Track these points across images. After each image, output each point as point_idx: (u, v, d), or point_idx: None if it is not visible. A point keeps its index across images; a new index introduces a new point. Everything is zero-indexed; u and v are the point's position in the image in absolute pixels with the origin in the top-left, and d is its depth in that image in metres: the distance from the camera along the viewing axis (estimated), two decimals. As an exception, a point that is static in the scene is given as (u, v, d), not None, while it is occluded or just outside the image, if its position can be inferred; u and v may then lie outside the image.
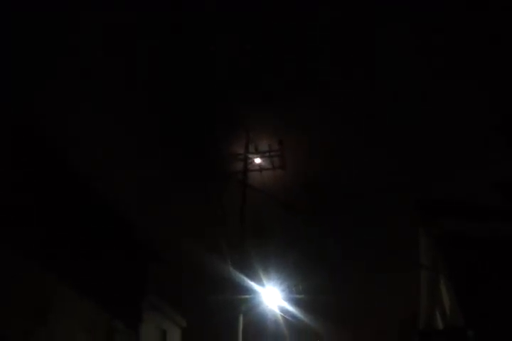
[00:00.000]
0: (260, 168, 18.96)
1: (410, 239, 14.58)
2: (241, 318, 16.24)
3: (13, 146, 8.81)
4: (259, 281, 17.07)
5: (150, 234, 13.80)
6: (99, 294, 10.58)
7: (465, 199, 12.78)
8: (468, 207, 12.37)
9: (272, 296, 17.13)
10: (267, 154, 18.94)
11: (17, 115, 8.88)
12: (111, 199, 12.08)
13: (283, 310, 16.91)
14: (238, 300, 16.69)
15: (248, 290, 16.78)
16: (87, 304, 10.20)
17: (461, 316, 10.53)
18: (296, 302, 17.05)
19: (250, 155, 18.92)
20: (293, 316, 16.83)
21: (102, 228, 11.59)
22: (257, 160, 18.80)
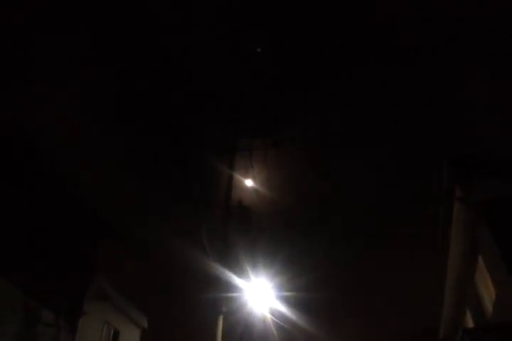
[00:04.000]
0: (250, 148, 16.03)
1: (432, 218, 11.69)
2: (221, 321, 12.98)
3: None
4: (244, 276, 13.93)
5: (108, 211, 10.78)
6: (24, 272, 7.51)
7: (507, 158, 10.00)
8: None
9: (259, 294, 13.95)
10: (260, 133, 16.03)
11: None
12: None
13: (273, 312, 13.75)
14: (218, 299, 13.48)
15: (231, 287, 13.62)
16: (3, 284, 7.14)
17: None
18: (289, 302, 13.92)
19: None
20: (284, 318, 13.68)
21: (40, 191, 8.57)
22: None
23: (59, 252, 8.60)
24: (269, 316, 13.59)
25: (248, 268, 13.91)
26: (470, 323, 11.57)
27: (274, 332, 13.52)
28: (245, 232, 15.81)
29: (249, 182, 15.25)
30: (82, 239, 9.48)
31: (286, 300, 13.65)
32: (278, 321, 13.57)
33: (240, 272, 13.92)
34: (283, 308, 13.47)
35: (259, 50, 14.50)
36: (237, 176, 15.43)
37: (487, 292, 9.92)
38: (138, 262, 12.20)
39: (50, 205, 8.86)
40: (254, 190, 15.36)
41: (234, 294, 13.71)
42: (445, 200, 9.64)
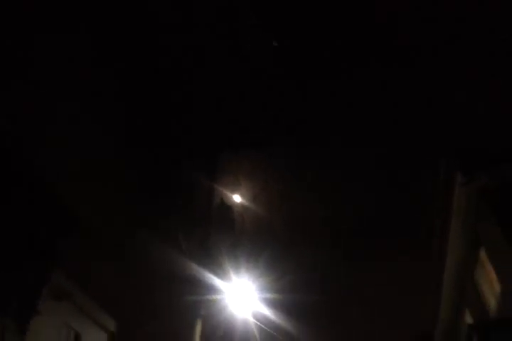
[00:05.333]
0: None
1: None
2: (199, 325, 12.00)
3: None
4: (226, 278, 12.94)
5: (77, 205, 9.74)
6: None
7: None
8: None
9: (241, 297, 12.97)
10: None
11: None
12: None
13: (256, 314, 12.74)
14: (196, 302, 12.52)
15: (211, 290, 12.63)
16: None
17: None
18: (273, 304, 12.93)
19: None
20: (268, 321, 12.68)
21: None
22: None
23: (8, 242, 7.52)
24: (251, 319, 12.59)
25: (230, 270, 12.92)
26: (468, 320, 10.67)
27: (257, 335, 12.53)
28: (227, 232, 14.93)
29: (237, 198, 14.60)
30: (40, 229, 8.39)
31: (270, 303, 12.65)
32: (260, 324, 12.58)
33: (222, 274, 12.93)
34: (266, 311, 12.48)
35: (275, 44, 14.42)
36: (224, 191, 14.74)
37: (490, 288, 9.05)
38: (107, 261, 11.12)
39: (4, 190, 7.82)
40: (241, 204, 14.65)
41: (214, 296, 12.70)
42: (445, 188, 8.78)
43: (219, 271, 13.15)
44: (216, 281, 12.89)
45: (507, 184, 8.24)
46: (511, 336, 6.18)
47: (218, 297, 12.92)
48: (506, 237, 7.60)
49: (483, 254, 8.97)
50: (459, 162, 8.42)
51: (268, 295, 12.79)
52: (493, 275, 8.66)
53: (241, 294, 12.99)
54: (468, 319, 10.83)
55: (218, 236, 14.62)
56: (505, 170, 8.42)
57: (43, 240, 8.37)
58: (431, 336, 14.54)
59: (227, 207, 15.17)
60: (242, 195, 15.00)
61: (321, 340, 16.05)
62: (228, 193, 14.90)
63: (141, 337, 11.58)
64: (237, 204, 15.13)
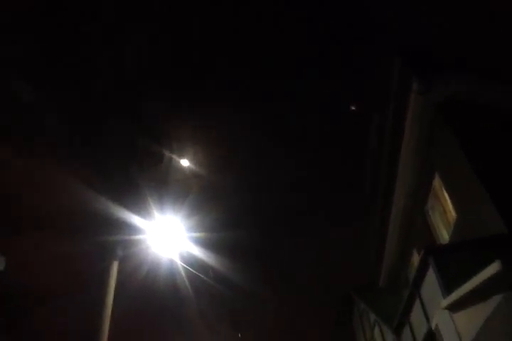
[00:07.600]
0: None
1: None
2: (115, 266, 10.53)
3: None
4: (148, 217, 11.48)
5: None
6: None
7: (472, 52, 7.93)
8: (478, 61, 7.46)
9: (166, 236, 11.66)
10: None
11: None
12: None
13: (183, 254, 11.46)
14: (112, 242, 11.03)
15: (131, 229, 11.16)
16: None
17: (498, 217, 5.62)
18: (201, 243, 11.71)
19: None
20: (196, 260, 11.46)
21: None
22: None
23: None
24: (177, 259, 11.31)
25: (154, 209, 11.49)
26: (415, 257, 9.71)
27: (183, 275, 11.33)
28: (154, 169, 13.68)
29: (185, 162, 13.73)
30: None
31: (197, 241, 11.41)
32: (185, 265, 11.35)
33: (145, 213, 11.51)
34: (194, 250, 11.21)
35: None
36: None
37: (443, 219, 7.97)
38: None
39: None
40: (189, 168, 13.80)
41: (135, 236, 11.28)
42: (397, 97, 7.39)
43: (142, 210, 11.70)
44: (138, 220, 11.41)
45: (472, 95, 6.98)
46: (468, 259, 5.12)
47: (141, 237, 11.46)
48: (468, 158, 6.36)
49: (437, 182, 7.82)
50: (416, 66, 7.01)
51: (195, 234, 11.53)
52: (447, 204, 7.55)
53: (166, 234, 11.61)
54: (415, 258, 9.89)
55: (142, 173, 13.17)
56: (472, 79, 7.13)
57: None
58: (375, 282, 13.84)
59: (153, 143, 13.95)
60: (189, 160, 14.16)
61: (248, 276, 15.17)
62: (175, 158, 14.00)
63: (42, 278, 9.94)
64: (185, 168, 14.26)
